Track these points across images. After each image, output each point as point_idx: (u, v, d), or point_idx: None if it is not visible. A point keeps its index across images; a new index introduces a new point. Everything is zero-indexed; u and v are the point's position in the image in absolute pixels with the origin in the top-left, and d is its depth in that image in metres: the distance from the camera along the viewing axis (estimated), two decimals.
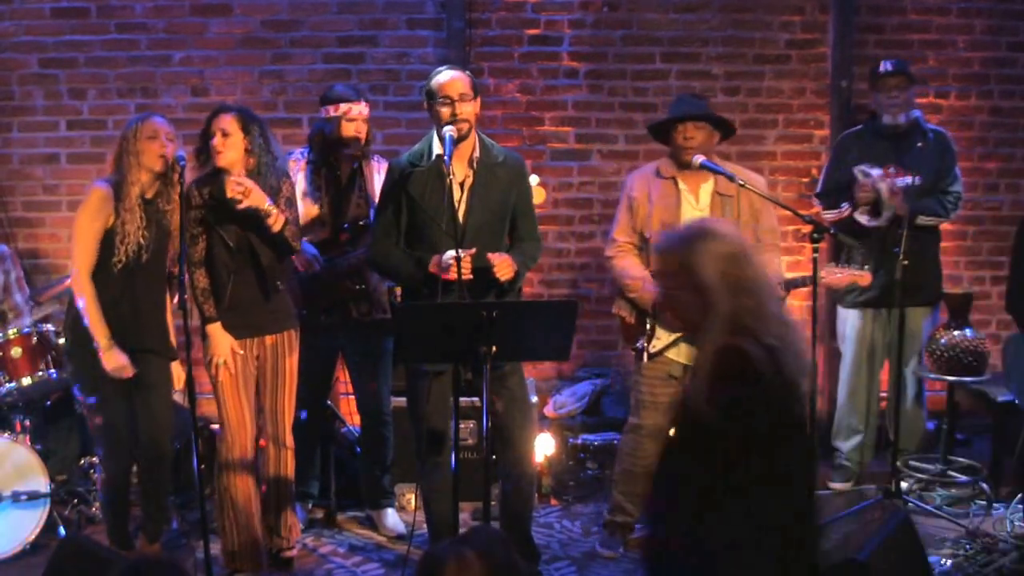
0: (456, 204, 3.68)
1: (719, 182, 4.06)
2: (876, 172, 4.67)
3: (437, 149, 3.71)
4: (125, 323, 3.87)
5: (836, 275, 4.06)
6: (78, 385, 4.02)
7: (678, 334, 4.05)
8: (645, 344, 4.12)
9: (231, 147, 3.81)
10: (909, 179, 4.65)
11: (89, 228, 3.81)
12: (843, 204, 4.74)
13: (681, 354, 4.12)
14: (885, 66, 4.79)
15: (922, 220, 4.73)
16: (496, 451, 3.86)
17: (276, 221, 3.80)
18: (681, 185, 4.09)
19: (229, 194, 3.71)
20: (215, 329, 3.90)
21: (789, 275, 4.23)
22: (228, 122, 3.81)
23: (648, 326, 4.12)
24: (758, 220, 4.11)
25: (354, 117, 4.34)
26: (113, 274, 3.82)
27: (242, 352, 3.95)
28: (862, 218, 4.73)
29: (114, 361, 3.82)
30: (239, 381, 3.95)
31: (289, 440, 4.11)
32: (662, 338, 4.10)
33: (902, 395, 4.84)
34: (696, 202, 4.09)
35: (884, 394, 5.12)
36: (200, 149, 3.87)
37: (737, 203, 4.05)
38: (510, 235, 3.91)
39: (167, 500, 4.22)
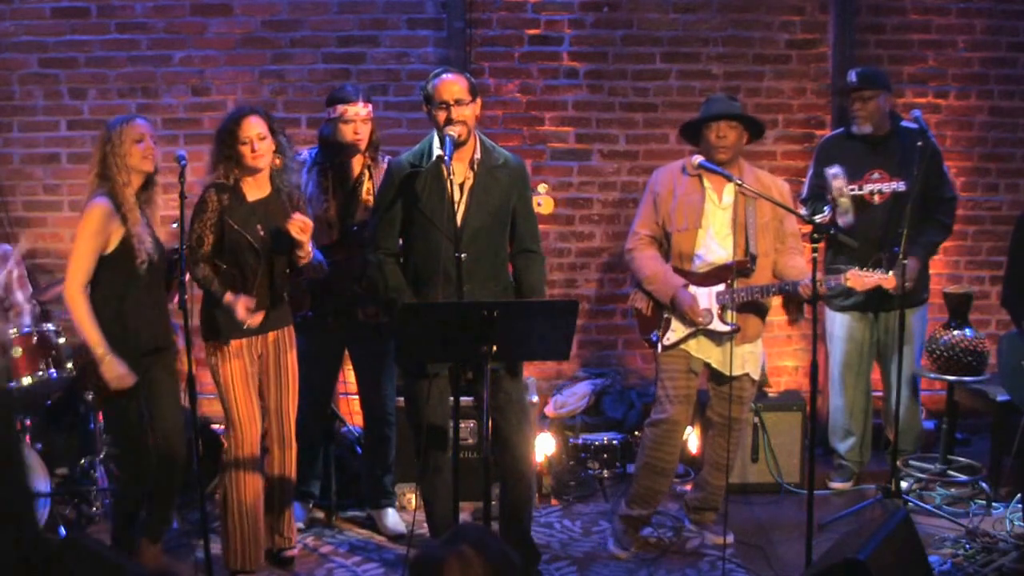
0: (455, 206, 3.68)
1: (743, 182, 4.06)
2: (830, 171, 4.65)
3: (437, 150, 3.71)
4: (153, 325, 3.86)
5: (863, 278, 4.02)
6: (92, 392, 4.01)
7: (692, 328, 4.08)
8: (660, 336, 4.13)
9: (268, 150, 3.86)
10: (895, 184, 4.65)
11: (89, 245, 3.73)
12: (826, 208, 4.74)
13: (700, 349, 4.14)
14: (850, 76, 4.77)
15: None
16: (495, 452, 3.86)
17: (305, 256, 3.87)
18: (706, 183, 4.11)
19: (294, 234, 3.75)
20: (229, 296, 3.84)
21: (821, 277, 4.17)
22: (262, 124, 3.84)
23: (664, 318, 4.14)
24: (782, 223, 4.16)
25: (350, 119, 4.31)
26: (139, 277, 3.79)
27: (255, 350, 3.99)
28: (840, 220, 4.71)
29: (113, 370, 3.72)
30: (248, 379, 3.96)
31: (293, 439, 4.11)
32: (677, 331, 4.12)
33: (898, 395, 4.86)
34: (719, 201, 4.11)
35: (876, 394, 5.13)
36: (225, 154, 3.84)
37: (760, 204, 4.07)
38: (511, 240, 3.91)
39: (175, 501, 4.20)
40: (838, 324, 4.97)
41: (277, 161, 3.90)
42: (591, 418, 5.36)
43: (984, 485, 4.77)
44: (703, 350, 4.15)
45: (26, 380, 4.37)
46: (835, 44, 5.52)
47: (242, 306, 3.82)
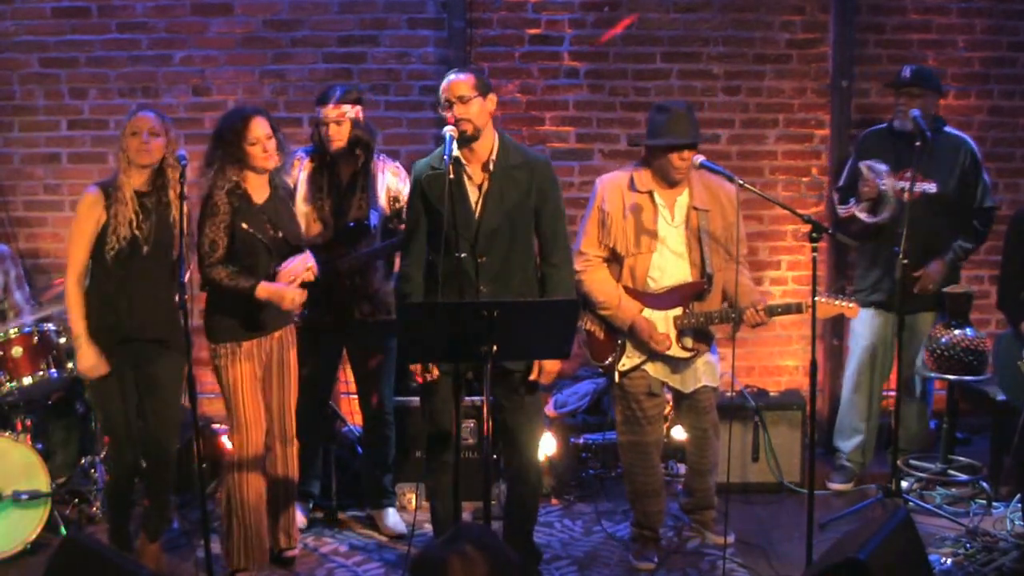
0: (472, 207, 3.69)
1: (694, 196, 4.05)
2: (883, 167, 4.66)
3: (453, 151, 3.71)
4: (120, 315, 3.86)
5: (826, 304, 4.00)
6: (83, 386, 4.03)
7: (647, 354, 4.06)
8: (614, 363, 4.12)
9: (275, 150, 3.90)
10: (926, 186, 4.65)
11: (81, 233, 3.82)
12: (851, 200, 4.73)
13: (657, 371, 4.13)
14: (904, 72, 4.80)
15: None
16: (501, 451, 3.86)
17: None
18: (658, 199, 4.06)
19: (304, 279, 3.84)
20: (265, 288, 3.82)
21: (775, 302, 4.19)
22: (267, 125, 3.87)
23: (619, 343, 4.11)
24: (729, 234, 4.09)
25: (322, 120, 4.32)
26: (108, 265, 3.81)
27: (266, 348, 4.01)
28: (861, 215, 4.72)
29: (86, 360, 3.80)
30: (256, 381, 3.96)
31: (294, 435, 4.11)
32: (632, 357, 4.10)
33: (907, 397, 4.86)
34: (672, 218, 4.06)
35: (888, 394, 5.12)
36: (233, 156, 3.84)
37: (712, 217, 4.05)
38: (538, 240, 3.87)
39: (170, 499, 4.21)
40: (860, 322, 4.95)
41: (279, 158, 3.94)
42: (592, 417, 5.34)
43: (984, 485, 4.77)
44: (659, 371, 4.13)
45: (26, 380, 4.38)
46: (835, 44, 5.52)
47: (290, 293, 3.84)
